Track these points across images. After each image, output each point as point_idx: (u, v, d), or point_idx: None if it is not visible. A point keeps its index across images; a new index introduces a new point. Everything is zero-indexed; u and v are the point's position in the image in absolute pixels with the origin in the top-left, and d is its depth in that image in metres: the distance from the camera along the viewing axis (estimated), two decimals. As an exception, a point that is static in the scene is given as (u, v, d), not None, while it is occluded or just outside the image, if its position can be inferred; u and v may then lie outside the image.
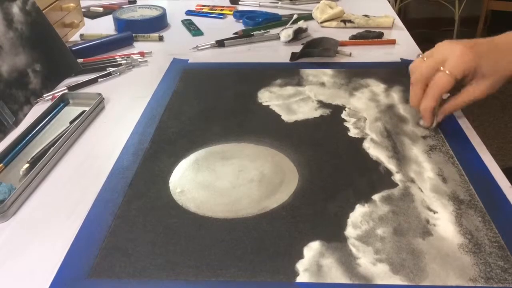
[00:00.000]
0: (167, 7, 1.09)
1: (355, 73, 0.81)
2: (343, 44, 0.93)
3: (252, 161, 0.60)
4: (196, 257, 0.46)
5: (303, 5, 1.17)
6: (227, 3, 1.19)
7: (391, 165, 0.58)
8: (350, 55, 0.88)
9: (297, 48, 0.90)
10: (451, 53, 0.61)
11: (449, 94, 0.65)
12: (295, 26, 0.95)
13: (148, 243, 0.48)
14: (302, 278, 0.44)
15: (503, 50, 0.62)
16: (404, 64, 0.85)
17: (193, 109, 0.72)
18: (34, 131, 0.67)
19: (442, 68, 0.61)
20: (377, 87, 0.77)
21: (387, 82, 0.78)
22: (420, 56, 0.65)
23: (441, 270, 0.44)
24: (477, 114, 2.25)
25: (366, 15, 1.04)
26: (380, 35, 0.96)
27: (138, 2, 1.19)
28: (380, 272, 0.45)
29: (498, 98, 2.36)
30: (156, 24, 1.04)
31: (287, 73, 0.82)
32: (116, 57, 0.90)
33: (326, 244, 0.47)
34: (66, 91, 0.78)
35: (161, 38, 0.99)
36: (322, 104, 0.73)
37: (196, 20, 1.09)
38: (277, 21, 1.06)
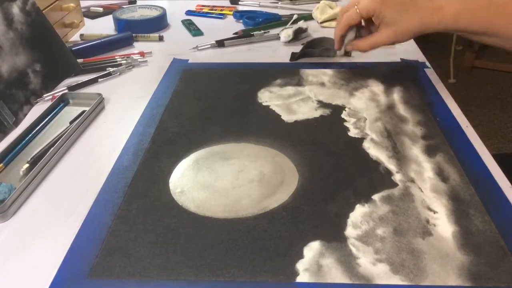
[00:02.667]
0: (167, 7, 1.09)
1: (355, 73, 0.81)
2: (343, 44, 0.93)
3: (252, 161, 0.60)
4: (196, 257, 0.46)
5: (303, 5, 1.17)
6: (227, 3, 1.19)
7: (391, 165, 0.58)
8: (350, 55, 0.88)
9: (297, 48, 0.90)
10: (360, 4, 0.72)
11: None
12: (295, 26, 0.95)
13: (148, 243, 0.48)
14: (302, 278, 0.44)
15: (414, 6, 0.69)
16: (404, 64, 0.85)
17: (193, 109, 0.72)
18: (34, 131, 0.67)
19: (356, 6, 0.73)
20: (377, 87, 0.77)
21: (387, 82, 0.78)
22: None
23: (441, 270, 0.44)
24: (477, 114, 2.25)
25: (366, 15, 1.04)
26: (380, 35, 0.96)
27: (138, 2, 1.19)
28: (380, 272, 0.45)
29: (498, 98, 2.36)
30: (156, 24, 1.04)
31: (287, 73, 0.82)
32: (116, 57, 0.90)
33: (326, 244, 0.47)
34: (66, 91, 0.78)
35: (161, 38, 0.99)
36: (322, 104, 0.73)
37: (196, 20, 1.09)
38: (277, 21, 1.06)
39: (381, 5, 0.70)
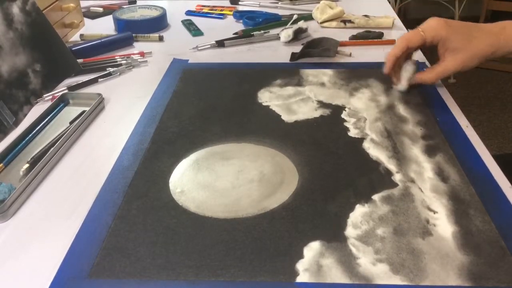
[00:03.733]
0: (167, 7, 1.09)
1: (355, 73, 0.81)
2: (343, 44, 0.93)
3: (252, 161, 0.60)
4: (196, 257, 0.46)
5: (303, 5, 1.17)
6: (227, 3, 1.19)
7: (391, 165, 0.58)
8: (350, 55, 0.88)
9: (297, 48, 0.90)
10: (427, 23, 0.69)
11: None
12: (295, 26, 0.95)
13: (148, 243, 0.48)
14: (302, 278, 0.44)
15: (479, 31, 0.67)
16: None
17: (193, 109, 0.72)
18: (34, 131, 0.67)
19: (419, 28, 0.69)
20: (377, 87, 0.77)
21: (387, 82, 0.78)
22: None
23: (441, 270, 0.44)
24: (477, 114, 2.25)
25: (366, 15, 1.04)
26: (380, 35, 0.96)
27: (138, 2, 1.19)
28: (380, 272, 0.45)
29: (498, 98, 2.35)
30: (156, 24, 1.04)
31: (287, 73, 0.82)
32: (116, 57, 0.90)
33: (326, 244, 0.47)
34: (66, 91, 0.78)
35: (161, 38, 0.99)
36: (322, 104, 0.73)
37: (196, 20, 1.09)
38: (277, 21, 1.06)
39: (448, 31, 0.66)
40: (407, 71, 0.71)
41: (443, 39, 0.67)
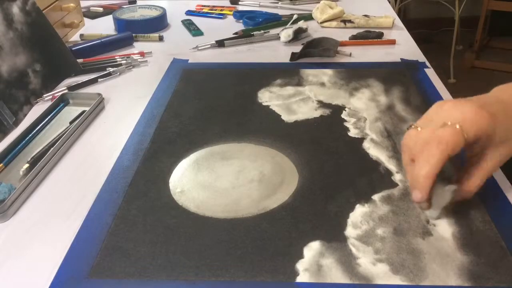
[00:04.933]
0: (167, 7, 1.09)
1: (355, 73, 0.81)
2: (343, 44, 0.93)
3: (252, 161, 0.60)
4: (196, 257, 0.46)
5: (303, 5, 1.17)
6: (227, 3, 1.19)
7: (391, 165, 0.58)
8: (350, 55, 0.88)
9: (297, 48, 0.90)
10: (460, 113, 0.47)
11: (455, 187, 0.50)
12: (295, 26, 0.95)
13: (148, 243, 0.48)
14: (302, 278, 0.44)
15: None
16: (404, 64, 0.85)
17: (193, 109, 0.72)
18: (34, 131, 0.67)
19: (457, 126, 0.46)
20: (377, 87, 0.77)
21: (387, 82, 0.78)
22: (412, 126, 0.50)
23: (441, 270, 0.44)
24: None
25: (366, 15, 1.04)
26: (380, 35, 0.96)
27: (138, 2, 1.19)
28: (380, 272, 0.45)
29: (498, 98, 2.36)
30: (156, 24, 1.04)
31: (287, 73, 0.82)
32: (116, 57, 0.90)
33: (326, 244, 0.47)
34: (66, 91, 0.78)
35: (161, 38, 0.99)
36: (322, 104, 0.73)
37: (196, 20, 1.09)
38: (277, 21, 1.06)
39: (492, 124, 0.47)
40: (443, 198, 0.50)
41: (489, 135, 0.47)
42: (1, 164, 0.60)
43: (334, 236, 0.48)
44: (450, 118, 0.47)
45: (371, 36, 0.96)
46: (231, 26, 1.06)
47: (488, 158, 0.49)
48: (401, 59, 0.87)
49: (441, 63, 2.48)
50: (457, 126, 0.46)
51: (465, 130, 0.46)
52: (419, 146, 0.47)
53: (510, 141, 0.49)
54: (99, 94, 0.74)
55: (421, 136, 0.47)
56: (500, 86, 0.53)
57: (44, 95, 0.77)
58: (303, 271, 0.45)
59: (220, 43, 0.95)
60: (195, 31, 1.03)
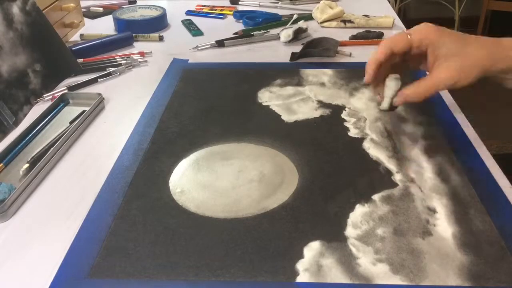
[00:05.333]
0: (167, 7, 1.09)
1: (355, 73, 0.81)
2: (343, 44, 0.93)
3: (252, 161, 0.60)
4: (196, 257, 0.46)
5: (303, 5, 1.17)
6: (227, 3, 1.19)
7: (391, 165, 0.58)
8: (350, 55, 0.88)
9: (297, 48, 0.90)
10: (418, 25, 0.58)
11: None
12: (295, 26, 0.95)
13: (148, 243, 0.48)
14: (302, 278, 0.44)
15: (474, 39, 0.56)
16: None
17: (193, 109, 0.72)
18: (34, 131, 0.67)
19: (405, 31, 0.58)
20: (377, 87, 0.77)
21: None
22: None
23: (441, 270, 0.44)
24: (477, 114, 2.25)
25: (366, 15, 1.04)
26: (380, 35, 0.96)
27: (138, 2, 1.19)
28: (380, 272, 0.45)
29: (498, 98, 2.35)
30: (156, 24, 1.04)
31: (287, 73, 0.82)
32: (116, 57, 0.90)
33: (326, 244, 0.47)
34: (66, 91, 0.78)
35: (161, 38, 0.99)
36: (322, 104, 0.73)
37: (196, 20, 1.09)
38: (277, 21, 1.06)
39: (438, 34, 0.55)
40: (389, 88, 0.59)
41: (433, 43, 0.55)
42: (1, 164, 0.60)
43: (334, 236, 0.48)
44: (409, 30, 0.58)
45: (371, 36, 0.96)
46: (231, 26, 1.06)
47: (437, 70, 0.55)
48: (401, 59, 0.87)
49: (441, 63, 2.48)
50: (406, 33, 0.57)
51: (411, 36, 0.56)
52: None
53: (460, 58, 0.54)
54: (99, 94, 0.74)
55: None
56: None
57: (44, 95, 0.77)
58: (303, 271, 0.45)
59: (220, 43, 0.95)
60: (195, 31, 1.03)
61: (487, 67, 0.55)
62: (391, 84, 0.58)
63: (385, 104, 0.59)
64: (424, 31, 0.56)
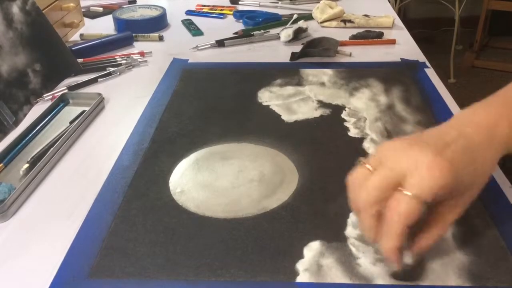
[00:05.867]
0: (167, 7, 1.09)
1: (355, 73, 0.81)
2: (343, 44, 0.93)
3: (252, 161, 0.60)
4: (196, 257, 0.46)
5: (303, 5, 1.17)
6: (227, 3, 1.19)
7: (391, 165, 0.58)
8: (350, 55, 0.88)
9: (297, 48, 0.90)
10: (415, 165, 0.39)
11: None
12: (295, 26, 0.95)
13: (148, 243, 0.48)
14: (302, 278, 0.44)
15: (478, 147, 0.42)
16: (404, 64, 0.85)
17: (193, 109, 0.72)
18: (34, 131, 0.67)
19: (401, 188, 0.39)
20: (377, 87, 0.77)
21: (387, 82, 0.78)
22: (361, 162, 0.43)
23: (441, 270, 0.44)
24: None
25: (366, 15, 1.04)
26: (380, 35, 0.96)
27: (138, 2, 1.19)
28: (380, 272, 0.44)
29: (498, 98, 2.35)
30: (156, 24, 1.04)
31: (287, 73, 0.82)
32: (116, 57, 0.90)
33: (326, 244, 0.47)
34: (66, 91, 0.78)
35: (161, 38, 0.99)
36: (322, 104, 0.73)
37: (196, 20, 1.09)
38: (277, 21, 1.06)
39: (455, 175, 0.39)
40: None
41: (450, 188, 0.40)
42: (1, 164, 0.60)
43: (334, 236, 0.48)
44: (402, 162, 0.40)
45: (371, 36, 0.96)
46: (231, 26, 1.06)
47: (452, 207, 0.43)
48: (401, 59, 0.87)
49: (441, 63, 2.48)
50: (410, 194, 0.38)
51: (420, 193, 0.38)
52: (371, 193, 0.40)
53: (475, 185, 0.43)
54: (99, 94, 0.74)
55: (371, 184, 0.40)
56: (464, 111, 0.46)
57: (44, 95, 0.77)
58: (303, 271, 0.45)
59: (220, 43, 0.95)
60: (195, 31, 1.03)
61: (495, 162, 0.44)
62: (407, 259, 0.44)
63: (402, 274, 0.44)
64: (436, 179, 0.38)
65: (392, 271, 0.44)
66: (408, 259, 0.44)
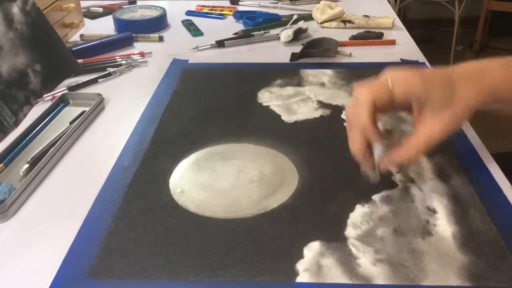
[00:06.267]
0: (167, 7, 1.09)
1: (355, 74, 0.81)
2: (343, 44, 0.93)
3: (252, 161, 0.60)
4: (196, 257, 0.46)
5: (303, 5, 1.17)
6: (227, 4, 1.19)
7: (391, 165, 0.58)
8: (350, 55, 0.88)
9: (297, 48, 0.90)
10: (392, 73, 0.49)
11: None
12: (295, 27, 0.95)
13: (148, 243, 0.48)
14: (302, 278, 0.44)
15: (465, 77, 0.50)
16: (404, 64, 0.85)
17: (193, 109, 0.72)
18: (34, 131, 0.67)
19: (388, 80, 0.49)
20: (377, 87, 0.77)
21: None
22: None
23: (441, 270, 0.44)
24: (477, 114, 2.25)
25: (366, 16, 1.04)
26: (380, 35, 0.96)
27: (138, 3, 1.19)
28: (380, 272, 0.44)
29: (498, 99, 2.36)
30: (156, 24, 1.04)
31: (287, 73, 0.82)
32: (116, 57, 0.90)
33: (326, 244, 0.47)
34: (66, 91, 0.78)
35: (161, 39, 0.99)
36: (322, 104, 0.73)
37: (196, 20, 1.09)
38: (277, 21, 1.06)
39: (424, 85, 0.48)
40: (375, 155, 0.51)
41: (419, 97, 0.49)
42: (1, 164, 0.60)
43: (334, 236, 0.48)
44: (388, 75, 0.49)
45: (371, 36, 0.96)
46: (231, 26, 1.06)
47: (429, 123, 0.49)
48: (401, 59, 0.87)
49: (441, 63, 2.47)
50: (386, 79, 0.49)
51: (393, 86, 0.48)
52: (351, 102, 0.51)
53: (452, 108, 0.49)
54: (99, 94, 0.74)
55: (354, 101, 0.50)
56: (455, 66, 0.53)
57: (44, 95, 0.77)
58: (303, 271, 0.45)
59: (220, 43, 0.95)
60: (195, 31, 1.03)
61: (478, 105, 0.51)
62: (377, 149, 0.51)
63: (374, 175, 0.52)
64: (407, 83, 0.49)
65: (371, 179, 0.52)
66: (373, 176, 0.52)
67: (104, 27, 1.06)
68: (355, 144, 0.50)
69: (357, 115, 0.49)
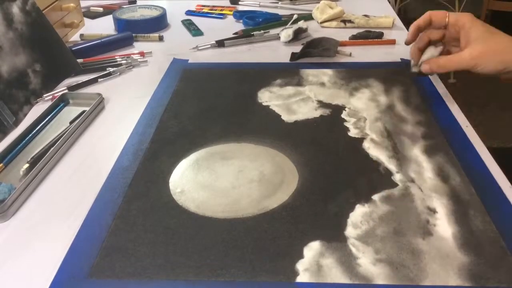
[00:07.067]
0: (167, 7, 1.09)
1: (355, 73, 0.81)
2: (343, 44, 0.93)
3: (252, 161, 0.60)
4: (196, 257, 0.46)
5: (303, 5, 1.17)
6: (227, 3, 1.19)
7: (391, 165, 0.58)
8: (350, 55, 0.88)
9: (297, 48, 0.90)
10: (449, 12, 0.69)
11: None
12: (295, 26, 0.95)
13: (148, 243, 0.48)
14: (302, 278, 0.44)
15: (503, 34, 0.64)
16: (404, 64, 0.85)
17: (193, 109, 0.72)
18: (34, 131, 0.67)
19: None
20: (377, 87, 0.77)
21: (387, 82, 0.78)
22: None
23: (441, 270, 0.44)
24: (477, 114, 2.25)
25: (366, 15, 1.04)
26: (380, 35, 0.96)
27: (138, 2, 1.19)
28: (380, 272, 0.45)
29: (498, 98, 2.35)
30: (156, 24, 1.04)
31: (287, 73, 0.82)
32: (116, 57, 0.90)
33: (326, 244, 0.47)
34: (66, 91, 0.78)
35: (161, 38, 0.99)
36: (322, 104, 0.73)
37: (196, 20, 1.09)
38: (277, 21, 1.06)
39: (472, 21, 0.65)
40: (426, 54, 0.70)
41: (466, 26, 0.65)
42: (1, 164, 0.60)
43: (334, 236, 0.48)
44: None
45: (371, 36, 0.96)
46: (231, 26, 1.06)
47: (464, 51, 0.65)
48: (401, 59, 0.87)
49: (441, 63, 2.48)
50: (446, 12, 0.68)
51: (450, 15, 0.68)
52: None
53: (486, 44, 0.63)
54: (99, 94, 0.74)
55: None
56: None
57: (44, 95, 0.77)
58: (303, 271, 0.45)
59: (220, 43, 0.95)
60: (195, 31, 1.03)
61: (507, 59, 0.62)
62: (429, 50, 0.69)
63: (415, 68, 0.71)
64: (460, 15, 0.67)
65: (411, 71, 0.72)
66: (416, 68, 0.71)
67: (104, 26, 1.06)
68: (408, 35, 0.72)
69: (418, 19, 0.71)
